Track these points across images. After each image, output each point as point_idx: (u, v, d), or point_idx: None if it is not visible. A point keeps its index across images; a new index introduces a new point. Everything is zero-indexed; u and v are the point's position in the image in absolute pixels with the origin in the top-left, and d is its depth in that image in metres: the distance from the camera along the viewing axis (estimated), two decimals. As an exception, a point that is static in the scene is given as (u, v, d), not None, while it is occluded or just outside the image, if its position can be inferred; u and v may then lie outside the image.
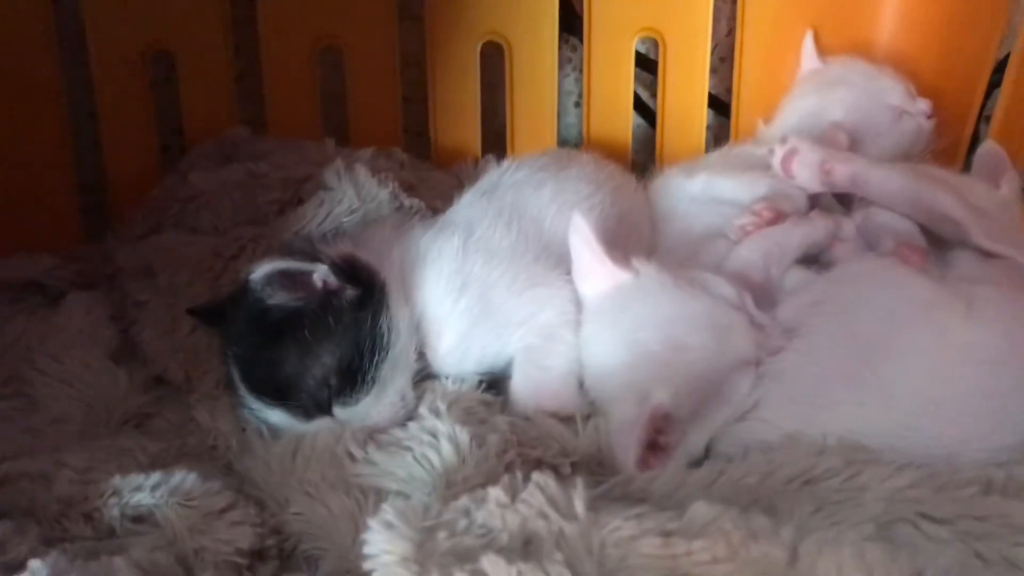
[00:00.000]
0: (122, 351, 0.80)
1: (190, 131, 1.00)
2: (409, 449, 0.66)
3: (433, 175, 0.98)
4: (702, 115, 1.08)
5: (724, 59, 1.14)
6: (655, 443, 0.65)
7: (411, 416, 0.70)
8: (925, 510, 0.53)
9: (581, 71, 1.07)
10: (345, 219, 0.82)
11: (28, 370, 0.75)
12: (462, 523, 0.51)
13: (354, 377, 0.69)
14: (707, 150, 1.08)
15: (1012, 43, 0.95)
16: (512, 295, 0.76)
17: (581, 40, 1.05)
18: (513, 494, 0.52)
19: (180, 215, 0.88)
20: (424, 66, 1.03)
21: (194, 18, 0.98)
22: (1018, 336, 0.67)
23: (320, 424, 0.70)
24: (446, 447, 0.65)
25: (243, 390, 0.71)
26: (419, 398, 0.72)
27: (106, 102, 0.98)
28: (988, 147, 0.88)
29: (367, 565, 0.51)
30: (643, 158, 1.13)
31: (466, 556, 0.48)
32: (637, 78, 1.08)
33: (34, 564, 0.53)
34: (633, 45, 1.05)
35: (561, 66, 1.11)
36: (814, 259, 0.82)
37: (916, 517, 0.53)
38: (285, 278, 0.68)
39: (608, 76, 1.05)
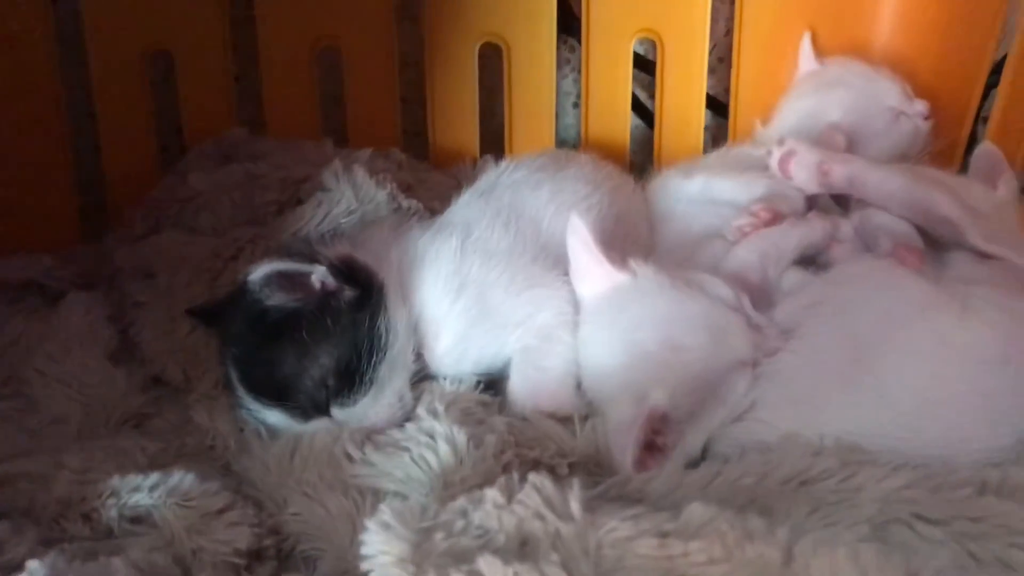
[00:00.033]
0: (121, 351, 0.80)
1: (189, 131, 1.00)
2: (407, 450, 0.66)
3: (431, 176, 0.98)
4: (700, 116, 1.08)
5: (722, 59, 1.14)
6: (652, 444, 0.65)
7: (409, 417, 0.71)
8: (920, 511, 0.53)
9: (579, 72, 1.07)
10: (343, 220, 0.82)
11: (27, 370, 0.75)
12: (459, 524, 0.52)
13: (352, 378, 0.69)
14: (705, 151, 1.09)
15: (1009, 44, 0.95)
16: (510, 296, 0.76)
17: (579, 41, 1.05)
18: (509, 495, 0.52)
19: (179, 216, 0.89)
20: (422, 67, 1.03)
21: (193, 19, 0.98)
22: (1014, 337, 0.67)
23: (318, 425, 0.70)
24: (443, 448, 0.65)
25: (241, 391, 0.71)
26: (417, 399, 0.72)
27: (105, 102, 0.98)
28: (985, 148, 0.88)
29: (364, 566, 0.51)
30: (641, 159, 1.13)
31: (463, 557, 0.49)
32: (635, 79, 1.08)
33: (32, 565, 0.54)
34: (631, 46, 1.05)
35: (559, 67, 1.11)
36: (811, 260, 0.82)
37: (911, 518, 0.53)
38: (283, 279, 0.69)
39: (606, 77, 1.05)
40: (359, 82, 1.02)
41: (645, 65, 1.11)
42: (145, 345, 0.80)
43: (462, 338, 0.75)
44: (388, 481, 0.65)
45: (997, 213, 0.82)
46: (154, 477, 0.63)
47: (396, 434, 0.68)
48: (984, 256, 0.76)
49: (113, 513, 0.62)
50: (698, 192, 0.90)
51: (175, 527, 0.60)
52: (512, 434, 0.67)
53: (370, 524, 0.52)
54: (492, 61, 1.05)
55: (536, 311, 0.76)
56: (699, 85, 1.07)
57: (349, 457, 0.67)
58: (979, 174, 0.87)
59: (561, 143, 1.14)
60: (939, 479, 0.57)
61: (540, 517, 0.50)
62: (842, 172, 0.83)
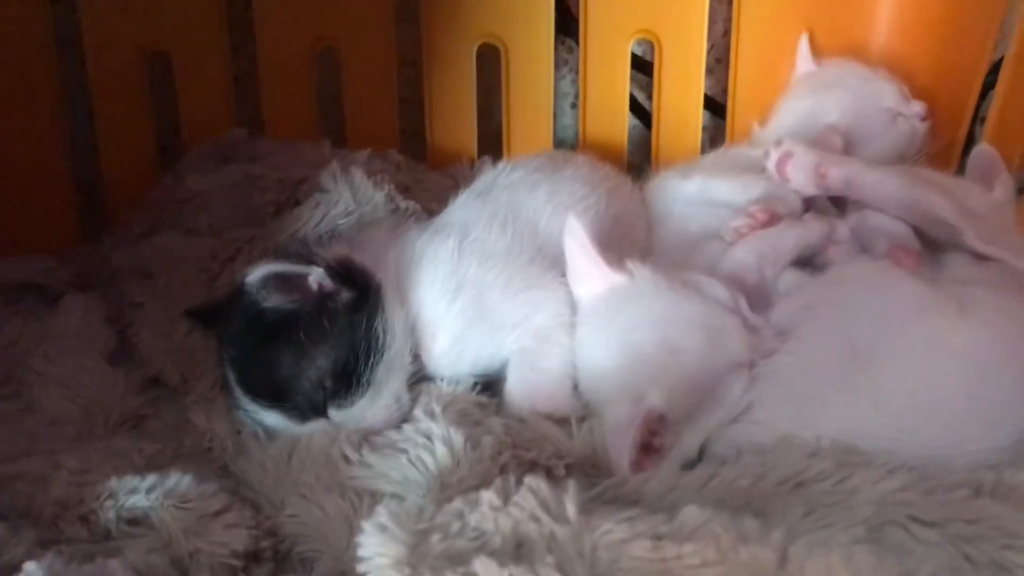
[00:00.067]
0: (119, 352, 0.80)
1: (187, 132, 1.00)
2: (404, 451, 0.66)
3: (429, 177, 0.98)
4: (698, 116, 1.08)
5: (720, 60, 1.14)
6: (649, 445, 0.65)
7: (406, 418, 0.71)
8: (915, 513, 0.53)
9: (577, 73, 1.07)
10: (341, 221, 0.82)
11: (25, 371, 0.75)
12: (455, 526, 0.52)
13: (349, 379, 0.70)
14: (703, 151, 1.09)
15: (1007, 45, 0.95)
16: (507, 297, 0.76)
17: (577, 42, 1.05)
18: (506, 497, 0.52)
19: (177, 216, 0.89)
20: (421, 67, 1.03)
21: (191, 19, 0.99)
22: (1010, 338, 0.68)
23: (315, 426, 0.70)
24: (440, 449, 0.65)
25: (239, 392, 0.71)
26: (414, 400, 0.72)
27: (104, 103, 0.98)
28: (982, 149, 0.88)
29: (361, 568, 0.51)
30: (639, 159, 1.13)
31: (459, 559, 0.49)
32: (633, 80, 1.08)
33: (29, 567, 0.54)
34: (629, 47, 1.05)
35: (557, 68, 1.11)
36: (808, 261, 0.82)
37: (906, 520, 0.53)
38: (281, 281, 0.69)
39: (604, 78, 1.06)
40: (357, 83, 1.02)
41: (643, 66, 1.11)
42: (143, 346, 0.80)
43: (459, 339, 0.75)
44: (385, 482, 0.65)
45: (993, 214, 0.82)
46: (151, 479, 0.63)
47: (393, 435, 0.68)
48: (981, 257, 0.76)
49: (111, 515, 0.62)
50: (695, 193, 0.90)
51: (172, 529, 0.60)
52: (509, 435, 0.67)
53: (366, 526, 0.52)
54: (490, 62, 1.05)
55: (533, 312, 0.76)
56: (697, 86, 1.07)
57: (346, 459, 0.67)
58: (976, 175, 0.87)
59: (559, 144, 1.14)
60: (934, 481, 0.57)
61: (536, 519, 0.50)
62: (839, 174, 0.83)
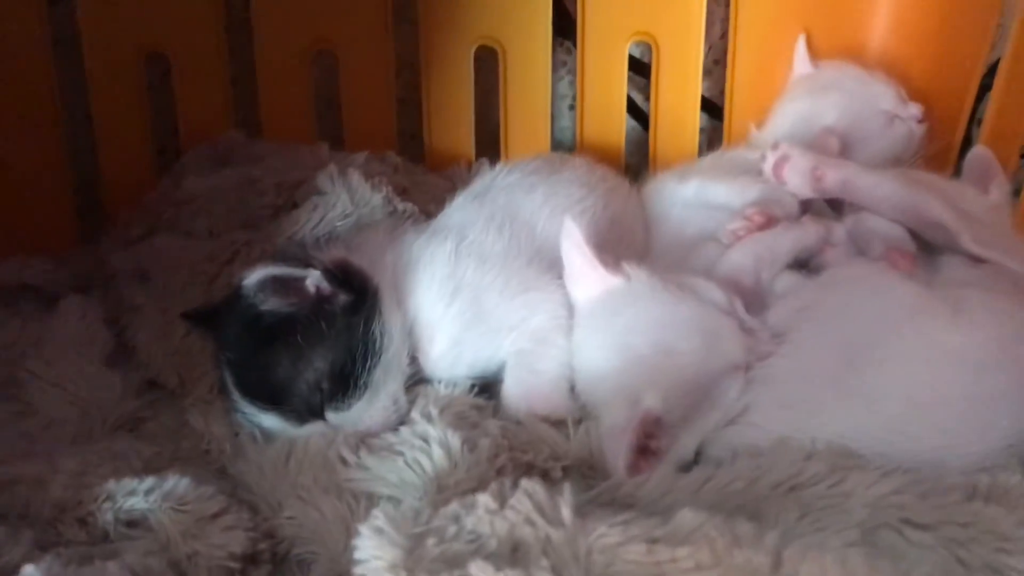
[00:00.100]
0: (116, 355, 0.80)
1: (185, 134, 1.00)
2: (401, 454, 0.66)
3: (427, 179, 0.98)
4: (695, 118, 1.08)
5: (718, 62, 1.14)
6: (646, 447, 0.65)
7: (403, 420, 0.71)
8: (909, 516, 0.54)
9: (575, 74, 1.07)
10: (339, 223, 0.83)
11: (22, 374, 0.75)
12: (451, 529, 0.52)
13: (347, 382, 0.70)
14: (700, 153, 1.09)
15: (1003, 48, 0.95)
16: (504, 299, 0.76)
17: (575, 44, 1.05)
18: (502, 500, 0.52)
19: (175, 219, 0.89)
20: (418, 69, 1.04)
21: (189, 21, 0.99)
22: (1005, 340, 0.68)
23: (313, 428, 0.70)
24: (437, 452, 0.65)
25: (236, 394, 0.71)
26: (411, 402, 0.72)
27: (102, 105, 0.98)
28: (978, 152, 0.89)
29: (357, 570, 0.51)
30: (637, 161, 1.13)
31: (455, 562, 0.49)
32: (631, 81, 1.08)
33: (28, 569, 0.54)
34: (626, 49, 1.05)
35: (555, 69, 1.11)
36: (804, 263, 0.82)
37: (900, 523, 0.53)
38: (278, 284, 0.69)
39: (602, 80, 1.06)
40: (355, 85, 1.03)
41: (641, 68, 1.11)
42: (141, 348, 0.80)
43: (456, 342, 0.75)
44: (382, 485, 0.65)
45: (989, 217, 0.82)
46: (149, 481, 0.63)
47: (390, 438, 0.69)
48: (976, 260, 0.77)
49: (109, 517, 0.62)
50: (693, 196, 0.90)
51: (170, 531, 0.61)
52: (506, 437, 0.68)
53: (363, 529, 0.52)
54: (488, 64, 1.05)
55: (530, 315, 0.76)
56: (694, 88, 1.07)
57: (344, 461, 0.67)
58: (972, 177, 0.88)
59: (557, 145, 1.14)
60: (928, 484, 0.58)
61: (531, 523, 0.51)
62: (835, 177, 0.83)
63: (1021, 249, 0.78)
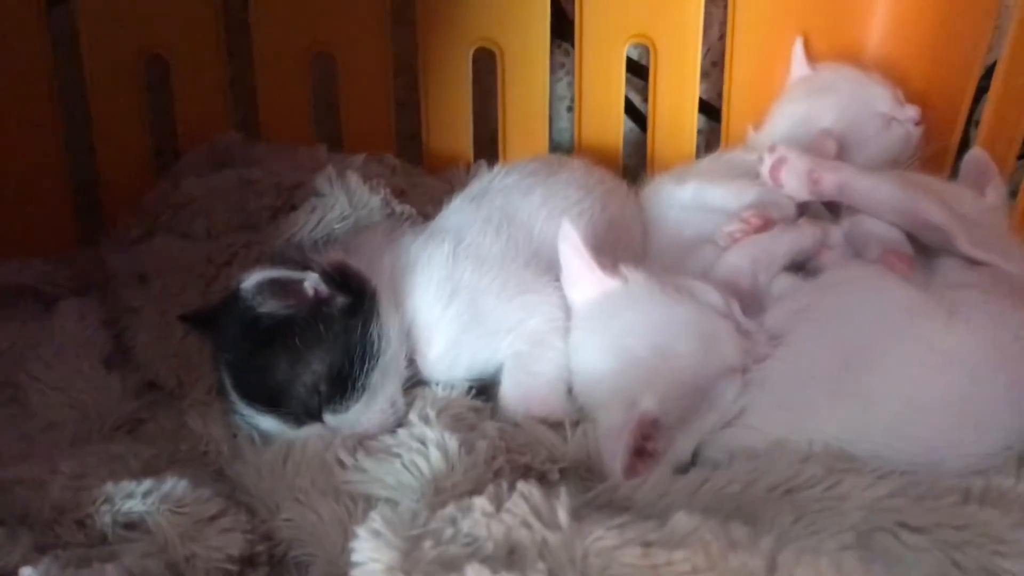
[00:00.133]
0: (115, 357, 0.80)
1: (184, 135, 1.01)
2: (398, 456, 0.67)
3: (425, 180, 0.98)
4: (693, 120, 1.08)
5: (716, 64, 1.15)
6: (643, 449, 0.66)
7: (401, 423, 0.71)
8: (904, 519, 0.54)
9: (574, 76, 1.07)
10: (337, 225, 0.83)
11: (21, 376, 0.76)
12: (448, 532, 0.52)
13: (344, 384, 0.70)
14: (698, 154, 1.09)
15: (1000, 50, 0.95)
16: (502, 301, 0.76)
17: (573, 45, 1.06)
18: (498, 503, 0.53)
19: (173, 221, 0.89)
20: (417, 71, 1.04)
21: (188, 23, 0.99)
22: (1001, 343, 0.68)
23: (310, 431, 0.70)
24: (435, 454, 0.65)
25: (234, 396, 0.71)
26: (409, 405, 0.72)
27: (100, 106, 0.98)
28: (975, 154, 0.89)
29: (354, 573, 0.51)
30: (635, 162, 1.13)
31: (451, 565, 0.49)
32: (629, 83, 1.08)
33: (26, 571, 0.54)
34: (624, 51, 1.05)
35: (554, 71, 1.11)
36: (801, 266, 0.83)
37: (895, 526, 0.53)
38: (276, 286, 0.69)
39: (600, 82, 1.06)
40: (353, 87, 1.03)
41: (638, 69, 1.11)
42: (139, 350, 0.80)
43: (454, 344, 0.75)
44: (380, 487, 0.65)
45: (986, 219, 0.82)
46: (147, 483, 0.63)
47: (388, 440, 0.69)
48: (973, 262, 0.77)
49: (107, 519, 0.62)
50: (690, 199, 0.90)
51: (168, 533, 0.61)
52: (503, 440, 0.68)
53: (360, 531, 0.53)
54: (486, 65, 1.05)
55: (528, 317, 0.76)
56: (692, 89, 1.07)
57: (341, 463, 0.67)
58: (968, 180, 0.88)
59: (556, 147, 1.14)
60: (923, 487, 0.58)
61: (527, 526, 0.51)
62: (832, 180, 0.83)
63: (1017, 251, 0.78)
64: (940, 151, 0.99)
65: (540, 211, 0.83)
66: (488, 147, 1.08)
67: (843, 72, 1.01)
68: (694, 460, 0.69)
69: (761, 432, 0.68)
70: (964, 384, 0.66)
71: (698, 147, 1.10)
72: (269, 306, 0.69)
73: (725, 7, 1.07)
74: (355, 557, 0.52)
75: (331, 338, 0.70)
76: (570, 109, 1.17)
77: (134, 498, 0.62)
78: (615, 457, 0.64)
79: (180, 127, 1.01)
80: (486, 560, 0.49)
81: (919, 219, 0.79)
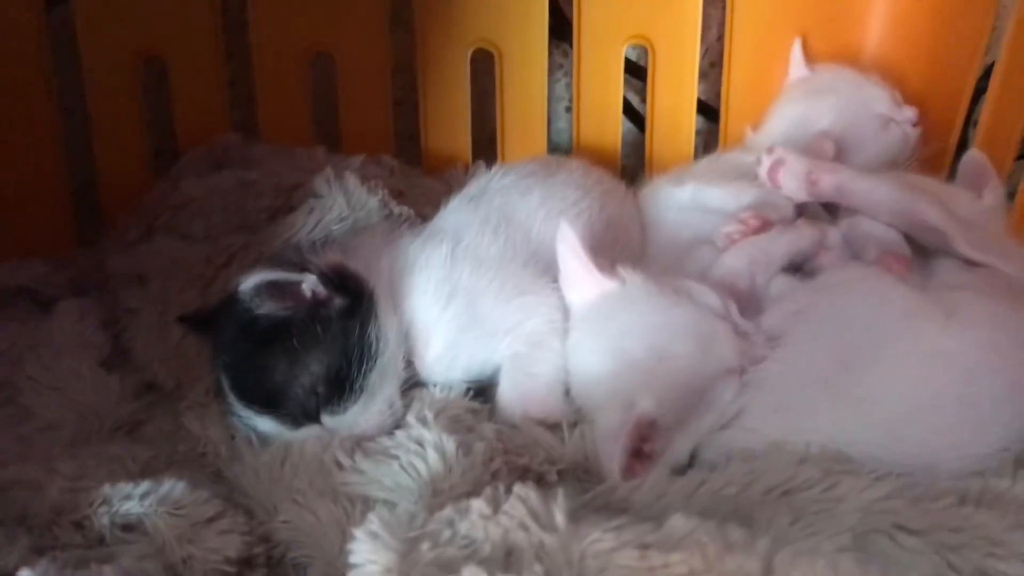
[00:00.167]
0: (113, 358, 0.80)
1: (182, 136, 1.01)
2: (396, 457, 0.67)
3: (423, 182, 0.99)
4: (691, 121, 1.08)
5: (714, 64, 1.15)
6: (640, 451, 0.66)
7: (399, 424, 0.71)
8: (901, 521, 0.54)
9: (572, 77, 1.07)
10: (335, 227, 0.83)
11: (19, 377, 0.76)
12: (446, 534, 0.52)
13: (342, 386, 0.70)
14: (696, 155, 1.09)
15: (998, 51, 0.95)
16: (500, 303, 0.76)
17: (572, 46, 1.06)
18: (495, 506, 0.53)
19: (171, 222, 0.89)
20: (415, 72, 1.04)
21: (186, 24, 0.99)
22: (999, 344, 0.68)
23: (308, 432, 0.70)
24: (432, 455, 0.66)
25: (232, 398, 0.71)
26: (407, 406, 0.73)
27: (98, 107, 0.98)
28: (972, 155, 0.89)
29: (352, 575, 0.51)
30: (633, 163, 1.13)
31: (449, 567, 0.49)
32: (627, 84, 1.08)
33: (24, 573, 0.54)
34: (623, 52, 1.05)
35: (552, 72, 1.11)
36: (799, 267, 0.83)
37: (892, 528, 0.54)
38: (274, 288, 0.69)
39: (598, 82, 1.06)
40: (352, 88, 1.03)
41: (637, 70, 1.12)
42: (137, 351, 0.80)
43: (452, 345, 0.75)
44: (377, 489, 0.65)
45: (983, 220, 0.82)
46: (145, 485, 0.63)
47: (386, 442, 0.69)
48: (970, 263, 0.77)
49: (105, 521, 0.62)
50: (689, 200, 0.90)
51: (166, 535, 0.61)
52: (501, 441, 0.68)
53: (358, 533, 0.53)
54: (485, 66, 1.05)
55: (526, 318, 0.76)
56: (690, 90, 1.07)
57: (339, 464, 0.67)
58: (966, 181, 0.88)
59: (554, 147, 1.14)
60: (920, 489, 0.58)
61: (524, 528, 0.51)
62: (830, 181, 0.83)
63: (1015, 253, 0.78)
64: (938, 152, 0.99)
65: (538, 212, 0.83)
66: (486, 148, 1.08)
67: (841, 73, 1.01)
68: (691, 461, 0.69)
69: (758, 433, 0.68)
70: (961, 385, 0.66)
71: (696, 148, 1.10)
72: (267, 308, 0.69)
73: (723, 8, 1.07)
74: (353, 559, 0.52)
75: (329, 339, 0.70)
76: (568, 110, 1.17)
77: (132, 499, 0.62)
78: (612, 458, 0.65)
79: (179, 128, 1.01)
80: (483, 562, 0.49)
81: (917, 220, 0.80)
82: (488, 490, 0.54)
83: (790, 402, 0.69)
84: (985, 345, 0.68)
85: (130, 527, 0.62)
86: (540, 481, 0.66)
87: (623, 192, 0.95)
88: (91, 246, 0.95)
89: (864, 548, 0.52)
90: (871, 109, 0.97)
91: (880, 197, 0.81)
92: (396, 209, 0.86)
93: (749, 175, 0.89)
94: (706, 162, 0.99)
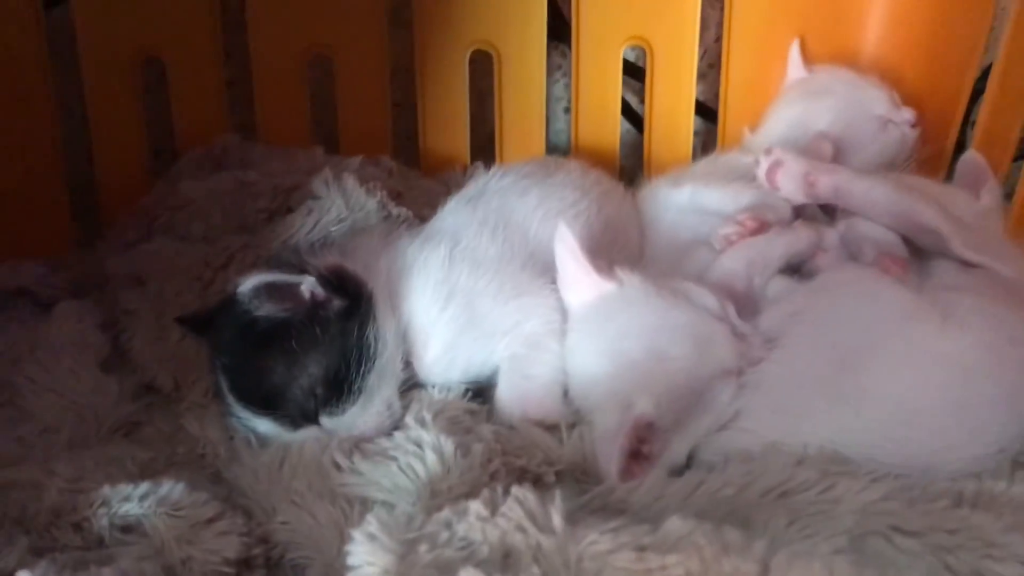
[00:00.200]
0: (112, 359, 0.80)
1: (181, 137, 1.01)
2: (394, 459, 0.67)
3: (422, 183, 0.99)
4: (689, 122, 1.09)
5: (712, 66, 1.15)
6: (638, 452, 0.66)
7: (397, 425, 0.71)
8: (897, 522, 0.54)
9: (571, 78, 1.07)
10: (333, 228, 0.83)
11: (18, 379, 0.76)
12: (443, 536, 0.52)
13: (341, 387, 0.70)
14: (695, 156, 1.09)
15: (995, 52, 0.96)
16: (498, 304, 0.76)
17: (570, 47, 1.06)
18: (493, 507, 0.53)
19: (170, 223, 0.89)
20: (414, 73, 1.04)
21: (185, 25, 0.99)
22: (996, 345, 0.68)
23: (307, 433, 0.70)
24: (431, 457, 0.66)
25: (231, 399, 0.72)
26: (405, 407, 0.73)
27: (97, 109, 0.98)
28: (970, 157, 0.89)
29: (350, 576, 0.52)
30: (631, 164, 1.13)
31: (447, 569, 0.50)
32: (625, 85, 1.08)
33: (23, 575, 0.54)
34: (621, 53, 1.06)
35: (551, 72, 1.11)
36: (797, 268, 0.83)
37: (888, 530, 0.54)
38: (272, 290, 0.69)
39: (596, 83, 1.06)
40: (351, 89, 1.03)
41: (635, 71, 1.12)
42: (136, 353, 0.80)
43: (450, 346, 0.76)
44: (376, 490, 0.66)
45: (981, 222, 0.83)
46: (144, 487, 0.63)
47: (384, 443, 0.69)
48: (968, 265, 0.77)
49: (104, 522, 0.62)
50: (686, 201, 0.90)
51: (165, 536, 0.61)
52: (499, 442, 0.68)
53: (356, 535, 0.53)
54: (483, 67, 1.06)
55: (524, 319, 0.76)
56: (688, 91, 1.07)
57: (337, 466, 0.67)
58: (964, 182, 0.88)
59: (553, 148, 1.14)
60: (916, 491, 0.58)
61: (522, 530, 0.51)
62: (828, 183, 0.83)
63: (1012, 254, 0.78)
64: (936, 153, 0.99)
65: (536, 213, 0.83)
66: (485, 149, 1.08)
67: (839, 74, 1.01)
68: (689, 463, 0.69)
69: (756, 435, 0.68)
70: (958, 387, 0.67)
71: (694, 149, 1.10)
72: (266, 309, 0.69)
73: (722, 9, 1.07)
74: (351, 560, 0.52)
75: (327, 341, 0.70)
76: (567, 111, 1.17)
77: (131, 501, 0.62)
78: (610, 460, 0.65)
79: (177, 129, 1.01)
80: (481, 564, 0.49)
81: (914, 222, 0.80)
82: (486, 492, 0.54)
83: (787, 403, 0.69)
84: (982, 347, 0.68)
85: (129, 528, 0.63)
86: (538, 482, 0.66)
87: (621, 193, 0.95)
88: (90, 248, 0.95)
89: (861, 550, 0.52)
90: (869, 110, 0.97)
91: (878, 198, 0.81)
92: (395, 210, 0.86)
93: (747, 176, 0.89)
94: (704, 163, 0.99)
